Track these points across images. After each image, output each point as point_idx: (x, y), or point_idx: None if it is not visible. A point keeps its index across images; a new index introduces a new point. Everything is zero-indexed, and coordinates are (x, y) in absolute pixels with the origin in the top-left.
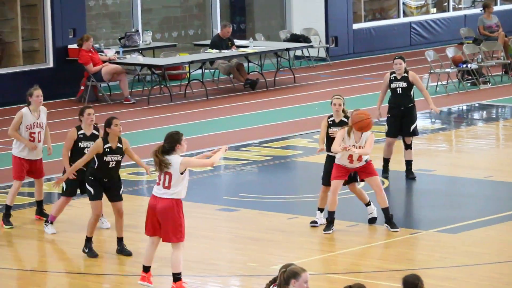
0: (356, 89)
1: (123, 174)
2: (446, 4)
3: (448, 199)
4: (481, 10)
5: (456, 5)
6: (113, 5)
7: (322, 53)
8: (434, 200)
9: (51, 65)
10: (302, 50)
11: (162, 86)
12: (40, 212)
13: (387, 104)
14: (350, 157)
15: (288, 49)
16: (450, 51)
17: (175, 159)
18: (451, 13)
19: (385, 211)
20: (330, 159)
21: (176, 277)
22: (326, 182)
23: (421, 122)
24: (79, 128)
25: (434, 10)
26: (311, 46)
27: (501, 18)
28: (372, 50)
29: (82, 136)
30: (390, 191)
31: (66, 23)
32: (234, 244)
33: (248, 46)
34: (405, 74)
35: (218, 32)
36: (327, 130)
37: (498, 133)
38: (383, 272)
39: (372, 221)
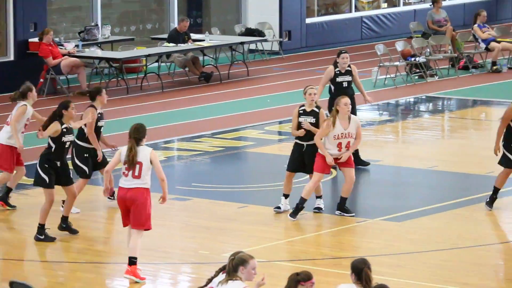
0: (308, 82)
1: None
2: None
3: (394, 188)
4: (430, 5)
5: (406, 0)
6: (73, 0)
7: (276, 47)
8: (380, 189)
9: (11, 58)
10: (256, 44)
11: (119, 79)
12: (4, 199)
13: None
14: (340, 145)
15: (242, 43)
16: (399, 45)
17: (145, 150)
18: (401, 8)
19: (344, 200)
20: (298, 147)
21: (132, 261)
22: (292, 168)
23: (370, 114)
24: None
25: (385, 5)
26: (265, 40)
27: (450, 12)
28: (324, 44)
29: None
30: (338, 181)
31: (27, 17)
32: (186, 232)
33: (203, 40)
34: (349, 68)
35: (175, 26)
36: (298, 118)
37: (443, 125)
38: (330, 260)
39: (317, 209)
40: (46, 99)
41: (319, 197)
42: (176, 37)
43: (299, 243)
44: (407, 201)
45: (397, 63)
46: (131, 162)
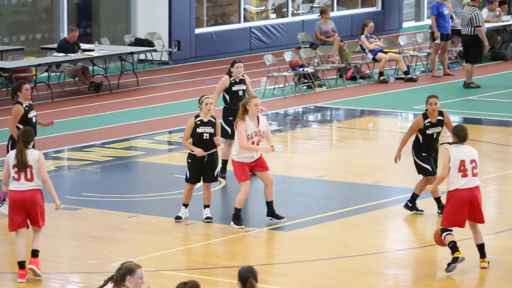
0: (197, 92)
1: None
2: (285, 9)
3: (282, 198)
4: (318, 16)
5: (295, 11)
6: None
7: (165, 57)
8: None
9: None
10: (145, 54)
11: (9, 88)
12: None
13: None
14: (253, 144)
15: (132, 53)
16: (288, 55)
17: (34, 153)
18: (289, 19)
19: (270, 204)
20: (194, 158)
21: (36, 253)
22: (194, 180)
23: None
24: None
25: (274, 15)
26: (155, 50)
27: (337, 23)
28: (214, 54)
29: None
30: (228, 191)
31: None
32: (74, 242)
33: (93, 50)
34: (242, 77)
35: (65, 36)
36: (196, 129)
37: (332, 135)
38: (219, 269)
39: (208, 219)
40: None
41: (207, 206)
42: (66, 47)
43: (188, 252)
44: (294, 210)
45: (285, 73)
46: (22, 165)
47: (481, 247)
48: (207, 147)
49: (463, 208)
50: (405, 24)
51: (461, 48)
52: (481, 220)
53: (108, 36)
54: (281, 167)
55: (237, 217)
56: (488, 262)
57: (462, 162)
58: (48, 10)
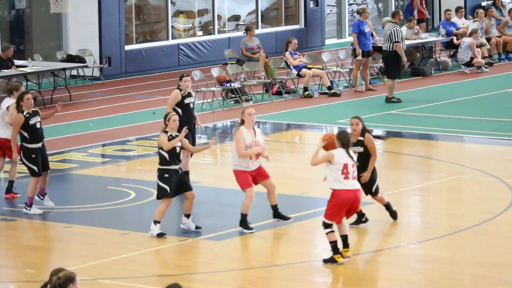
0: (128, 106)
1: None
2: (211, 27)
3: (213, 208)
4: (244, 33)
5: (221, 28)
6: None
7: (97, 73)
8: (200, 209)
9: None
10: (77, 70)
11: None
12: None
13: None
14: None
15: (64, 69)
16: (215, 71)
17: None
18: (216, 36)
19: (275, 207)
20: (174, 173)
21: None
22: (174, 195)
23: None
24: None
25: (201, 33)
26: (86, 66)
27: (262, 40)
28: (144, 69)
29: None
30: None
31: None
32: (12, 251)
33: (27, 66)
34: (190, 90)
35: None
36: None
37: None
38: (153, 277)
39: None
40: None
41: (188, 215)
42: (0, 63)
43: (123, 261)
44: (225, 220)
45: (213, 88)
46: None
47: (345, 238)
48: (179, 160)
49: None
50: (327, 41)
51: (382, 64)
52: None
53: (41, 53)
54: (211, 179)
55: (245, 222)
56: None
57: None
58: None
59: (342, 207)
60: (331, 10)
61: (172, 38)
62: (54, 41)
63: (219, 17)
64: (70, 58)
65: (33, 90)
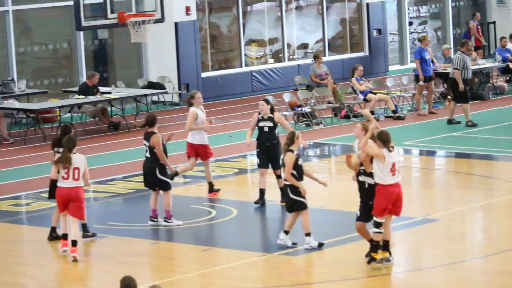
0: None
1: (4, 205)
2: (282, 55)
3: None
4: (312, 60)
5: (291, 56)
6: None
7: (176, 98)
8: (275, 227)
9: None
10: (158, 96)
11: (36, 128)
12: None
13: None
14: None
15: (145, 95)
16: (287, 96)
17: (80, 156)
18: (286, 63)
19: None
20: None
21: (75, 243)
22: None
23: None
24: None
25: (272, 60)
26: (166, 92)
27: (330, 67)
28: (219, 95)
29: None
30: (240, 219)
31: None
32: (103, 266)
33: (111, 93)
34: (271, 115)
35: (85, 80)
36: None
37: (330, 168)
38: None
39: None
40: None
41: (288, 232)
42: (86, 90)
43: (207, 276)
44: (298, 237)
45: (285, 112)
46: (67, 165)
47: (386, 243)
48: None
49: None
50: (390, 68)
51: (442, 89)
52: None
53: (123, 80)
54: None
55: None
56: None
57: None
58: (68, 56)
59: (388, 201)
60: (393, 38)
61: (245, 66)
62: (135, 69)
63: (289, 46)
64: (151, 85)
65: (117, 115)
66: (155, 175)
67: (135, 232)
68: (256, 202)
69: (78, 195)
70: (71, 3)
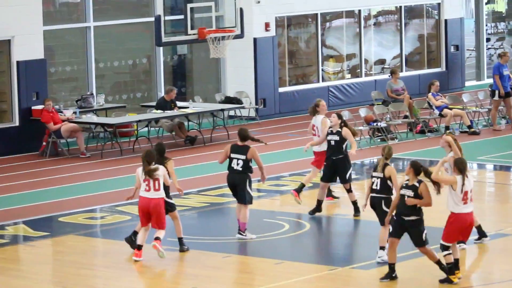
0: (282, 144)
1: (79, 218)
2: (359, 70)
3: (362, 240)
4: (389, 76)
5: (368, 71)
6: (71, 72)
7: (252, 113)
8: (349, 240)
9: (17, 123)
10: (235, 111)
11: (113, 142)
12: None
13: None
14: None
15: (222, 110)
16: (363, 111)
17: (161, 168)
18: (363, 78)
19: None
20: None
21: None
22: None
23: None
24: None
25: (349, 75)
26: (243, 107)
27: (406, 82)
28: (296, 110)
29: None
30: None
31: (30, 87)
32: (177, 279)
33: (188, 107)
34: (339, 129)
35: (163, 95)
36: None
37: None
38: None
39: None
40: (49, 160)
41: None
42: (164, 104)
43: None
44: (369, 251)
45: (361, 127)
46: (149, 177)
47: (456, 262)
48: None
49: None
50: (467, 83)
51: None
52: None
53: (201, 95)
54: (362, 213)
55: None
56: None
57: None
58: (147, 72)
59: (459, 229)
60: (470, 54)
61: (322, 81)
62: (213, 83)
63: (366, 61)
64: (228, 100)
65: (194, 129)
66: (245, 187)
67: (208, 246)
68: (310, 213)
69: (158, 206)
70: (152, 19)
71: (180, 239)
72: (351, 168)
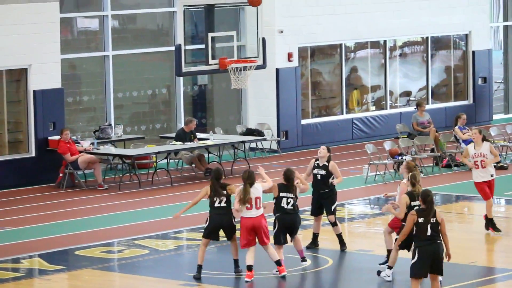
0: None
1: (96, 252)
2: (384, 102)
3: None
4: (415, 108)
5: (393, 104)
6: (89, 102)
7: (274, 146)
8: (373, 277)
9: (33, 154)
10: (256, 143)
11: (131, 174)
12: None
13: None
14: None
15: (244, 142)
16: (387, 144)
17: (257, 186)
18: (388, 111)
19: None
20: None
21: (279, 262)
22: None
23: (362, 208)
24: None
25: (373, 107)
26: (264, 139)
27: (432, 115)
28: (319, 143)
29: None
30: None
31: (46, 117)
32: None
33: (208, 139)
34: (326, 163)
35: (182, 126)
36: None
37: None
38: None
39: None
40: (65, 192)
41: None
42: (183, 136)
43: None
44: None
45: (385, 161)
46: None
47: None
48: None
49: None
50: (495, 116)
51: None
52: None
53: (222, 126)
54: (384, 248)
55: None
56: None
57: None
58: (166, 102)
59: None
60: (498, 86)
61: (346, 113)
62: (234, 115)
63: (391, 93)
64: (249, 132)
65: (214, 162)
66: (298, 226)
67: (228, 281)
68: (307, 247)
69: (261, 223)
70: (172, 48)
71: (235, 261)
72: (336, 201)
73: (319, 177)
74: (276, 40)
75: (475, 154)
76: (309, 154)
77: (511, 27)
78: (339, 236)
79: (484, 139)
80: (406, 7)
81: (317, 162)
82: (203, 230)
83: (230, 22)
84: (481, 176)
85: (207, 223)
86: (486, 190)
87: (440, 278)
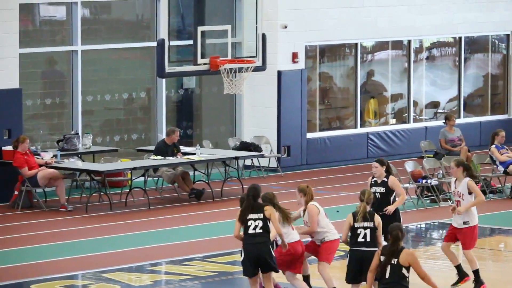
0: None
1: (56, 286)
2: (406, 114)
3: None
4: (443, 123)
5: (417, 116)
6: (52, 105)
7: (274, 163)
8: None
9: None
10: (252, 160)
11: (101, 193)
12: None
13: None
14: None
15: (237, 158)
16: (409, 165)
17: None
18: (411, 125)
19: None
20: None
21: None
22: None
23: None
24: None
25: (394, 120)
26: (262, 156)
27: (464, 131)
28: (327, 161)
29: None
30: None
31: (0, 123)
32: None
33: (194, 154)
34: (385, 179)
35: (163, 138)
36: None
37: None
38: None
39: None
40: (21, 214)
41: None
42: (164, 149)
43: None
44: None
45: (406, 185)
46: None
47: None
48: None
49: None
50: None
51: None
52: None
53: (211, 139)
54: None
55: None
56: None
57: None
58: (145, 108)
59: None
60: None
61: (361, 126)
62: (226, 125)
63: (415, 103)
64: (244, 146)
65: (201, 181)
66: None
67: None
68: None
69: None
70: (154, 44)
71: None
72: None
73: (378, 195)
74: (279, 37)
75: None
76: (315, 175)
77: None
78: None
79: None
80: (436, 1)
81: (374, 179)
82: (186, 263)
83: (224, 14)
84: None
85: None
86: None
87: None
